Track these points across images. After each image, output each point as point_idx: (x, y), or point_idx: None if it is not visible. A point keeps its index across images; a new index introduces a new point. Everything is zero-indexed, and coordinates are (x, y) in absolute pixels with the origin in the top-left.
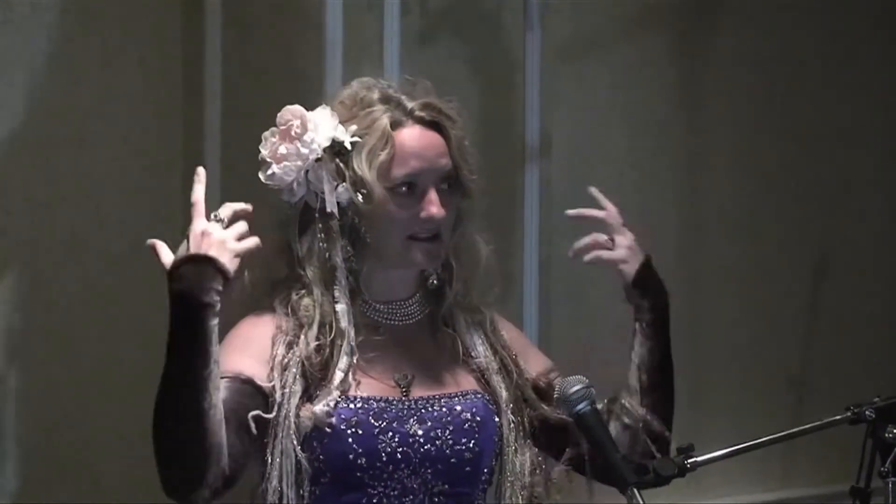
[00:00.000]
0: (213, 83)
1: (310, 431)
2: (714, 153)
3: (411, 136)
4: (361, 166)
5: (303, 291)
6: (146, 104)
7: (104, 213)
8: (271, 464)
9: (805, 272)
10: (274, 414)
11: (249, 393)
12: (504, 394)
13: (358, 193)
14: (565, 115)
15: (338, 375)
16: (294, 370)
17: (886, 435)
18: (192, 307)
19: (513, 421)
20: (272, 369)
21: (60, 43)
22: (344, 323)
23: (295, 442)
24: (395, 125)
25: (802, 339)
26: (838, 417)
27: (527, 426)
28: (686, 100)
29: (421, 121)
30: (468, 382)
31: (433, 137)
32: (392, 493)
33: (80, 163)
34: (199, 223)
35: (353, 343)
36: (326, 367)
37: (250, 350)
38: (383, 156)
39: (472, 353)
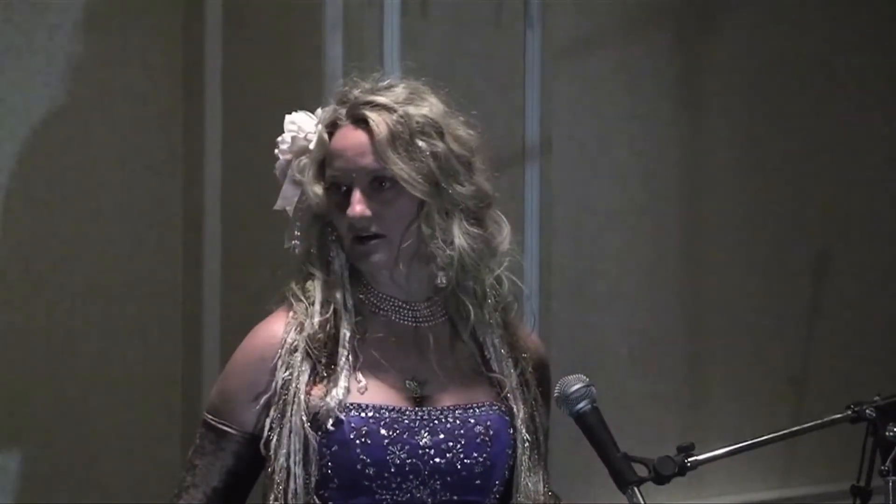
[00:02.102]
0: (213, 83)
1: (321, 436)
2: (714, 153)
3: (340, 136)
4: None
5: (304, 277)
6: (146, 104)
7: (104, 213)
8: (278, 441)
9: (805, 272)
10: (281, 392)
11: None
12: (521, 412)
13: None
14: (565, 115)
15: (341, 352)
16: (301, 353)
17: (887, 433)
18: None
19: (527, 440)
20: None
21: (61, 43)
22: (339, 299)
23: (305, 419)
24: (334, 125)
25: (803, 338)
26: (839, 416)
27: (541, 445)
28: (686, 99)
29: (355, 119)
30: (483, 393)
31: (358, 136)
32: (400, 502)
33: (81, 163)
34: None
35: (351, 317)
36: (329, 345)
37: (247, 389)
38: (317, 156)
39: (494, 367)
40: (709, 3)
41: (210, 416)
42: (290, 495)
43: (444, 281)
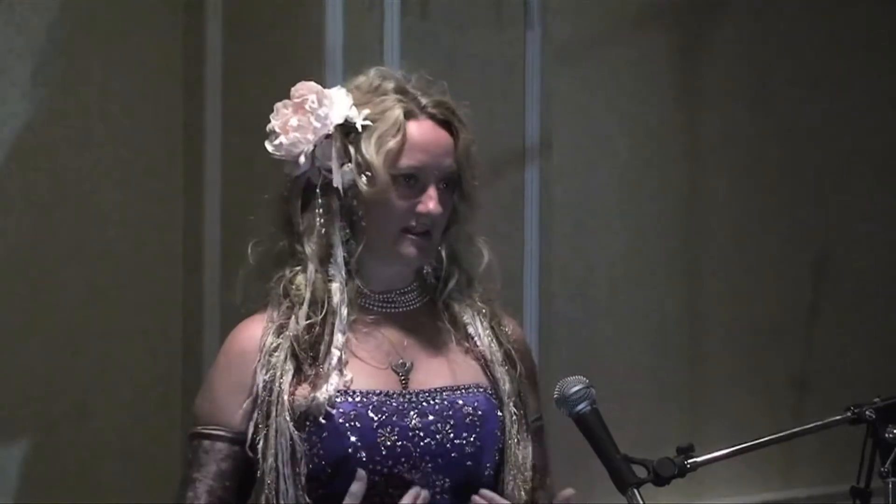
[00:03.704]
0: (214, 83)
1: (310, 426)
2: (714, 153)
3: (422, 129)
4: (370, 150)
5: (297, 268)
6: (146, 104)
7: (104, 213)
8: (265, 443)
9: (805, 272)
10: (265, 394)
11: (241, 454)
12: (507, 386)
13: (362, 175)
14: (565, 115)
15: (334, 353)
16: (284, 353)
17: (886, 435)
18: None
19: (515, 413)
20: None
21: (61, 43)
22: (336, 299)
23: (289, 419)
24: (408, 116)
25: (803, 339)
26: (838, 417)
27: (528, 420)
28: (686, 100)
29: (433, 117)
30: (470, 374)
31: (442, 135)
32: (393, 486)
33: (80, 163)
34: None
35: (345, 321)
36: (317, 346)
37: (235, 390)
38: (392, 143)
39: (477, 343)
40: (708, 3)
41: (200, 427)
42: (280, 495)
43: (435, 281)
